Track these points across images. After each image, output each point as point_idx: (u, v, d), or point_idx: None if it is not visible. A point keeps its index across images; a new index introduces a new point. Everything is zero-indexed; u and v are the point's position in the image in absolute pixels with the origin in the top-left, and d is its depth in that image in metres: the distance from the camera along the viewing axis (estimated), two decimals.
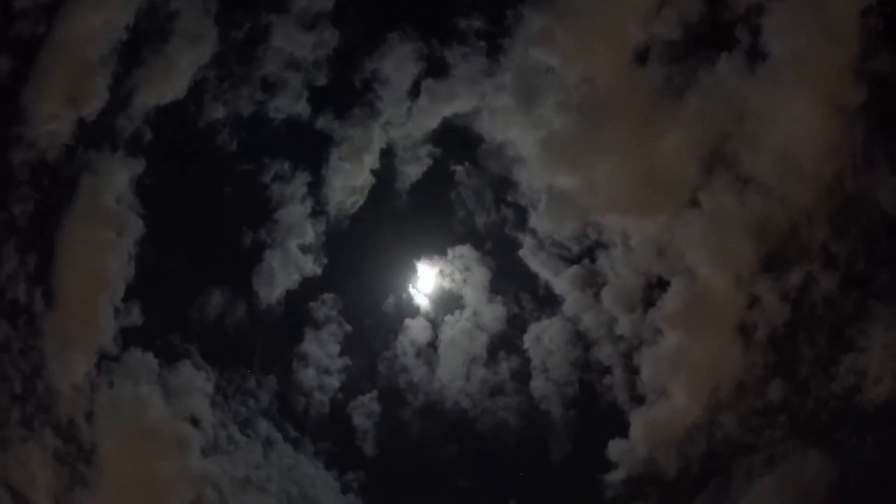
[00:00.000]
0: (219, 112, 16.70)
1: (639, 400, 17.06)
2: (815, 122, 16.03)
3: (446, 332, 16.87)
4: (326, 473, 16.55)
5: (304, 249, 16.53)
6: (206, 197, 16.55)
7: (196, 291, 16.40)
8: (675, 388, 16.88)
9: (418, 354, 16.77)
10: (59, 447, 16.13)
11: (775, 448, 16.89)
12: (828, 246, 16.49)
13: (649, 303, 16.98)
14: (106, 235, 16.56)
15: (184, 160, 16.56)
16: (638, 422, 17.01)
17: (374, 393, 16.61)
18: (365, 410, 16.48)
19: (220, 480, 16.32)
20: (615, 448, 16.81)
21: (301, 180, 16.54)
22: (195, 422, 16.38)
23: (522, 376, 16.69)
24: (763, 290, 16.69)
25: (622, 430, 17.21)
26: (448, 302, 16.72)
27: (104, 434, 16.40)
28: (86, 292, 16.57)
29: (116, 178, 16.69)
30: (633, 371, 17.05)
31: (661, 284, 16.73)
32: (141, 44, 16.83)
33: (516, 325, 16.89)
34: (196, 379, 16.25)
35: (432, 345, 16.62)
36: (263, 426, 16.37)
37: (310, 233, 16.39)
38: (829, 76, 15.91)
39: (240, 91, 16.81)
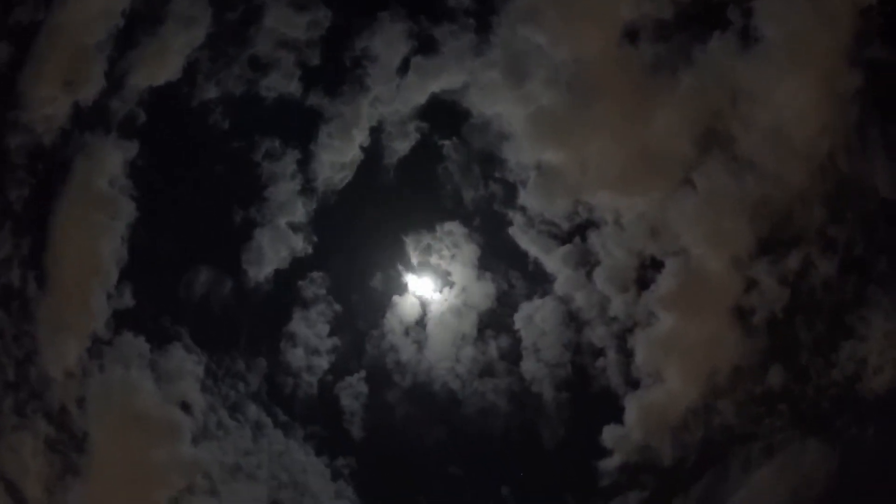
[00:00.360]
0: (211, 92, 16.46)
1: (633, 384, 16.60)
2: (808, 102, 15.57)
3: (435, 310, 16.56)
4: (317, 460, 16.36)
5: (294, 227, 16.24)
6: (198, 177, 16.30)
7: (187, 272, 16.20)
8: (671, 373, 16.43)
9: (406, 333, 16.48)
10: (52, 435, 16.18)
11: (774, 437, 16.36)
12: (825, 230, 16.02)
13: (643, 284, 16.51)
14: (99, 218, 16.48)
15: (176, 141, 16.31)
16: (633, 407, 16.58)
17: (363, 373, 16.33)
18: (353, 392, 16.26)
19: (210, 468, 16.23)
20: (610, 434, 16.38)
21: (291, 157, 16.28)
22: (186, 407, 16.26)
23: (513, 356, 16.37)
24: (761, 273, 16.19)
25: (617, 414, 16.75)
26: (436, 279, 16.39)
27: (96, 421, 16.38)
28: (79, 276, 16.55)
29: (110, 160, 16.59)
30: (627, 354, 16.61)
31: (655, 265, 16.30)
32: (136, 26, 16.60)
33: (506, 303, 16.52)
34: (187, 362, 16.16)
35: (420, 323, 16.33)
36: (253, 410, 16.27)
37: (300, 210, 16.09)
38: (823, 58, 15.51)
39: (232, 71, 16.53)
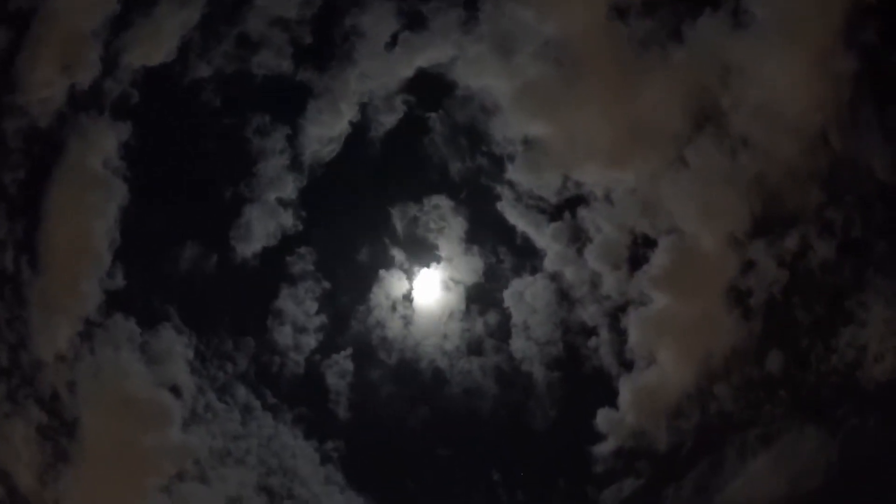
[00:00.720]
0: (204, 71, 16.20)
1: (627, 365, 16.01)
2: (799, 78, 15.29)
3: (422, 285, 16.15)
4: (305, 443, 15.93)
5: (283, 203, 15.85)
6: (189, 155, 16.05)
7: (178, 250, 15.92)
8: (665, 354, 15.97)
9: (393, 308, 16.03)
10: (43, 421, 15.98)
11: (772, 424, 15.85)
12: (823, 212, 15.59)
13: (635, 262, 16.06)
14: (92, 199, 16.31)
15: (168, 120, 16.08)
16: (626, 389, 15.97)
17: (349, 350, 15.90)
18: (339, 370, 15.81)
19: (200, 454, 15.89)
20: (604, 417, 15.70)
21: (281, 133, 15.97)
22: (176, 390, 15.95)
23: (502, 334, 15.91)
24: (758, 253, 15.75)
25: (610, 396, 16.24)
26: (424, 253, 15.92)
27: (87, 405, 16.17)
28: (71, 257, 16.40)
29: (104, 141, 16.41)
30: (620, 334, 16.13)
31: (648, 243, 15.84)
32: (131, 8, 16.45)
33: (495, 279, 16.07)
34: (177, 344, 15.84)
35: (407, 297, 15.93)
36: (241, 393, 15.87)
37: (289, 186, 15.69)
38: (815, 37, 15.24)
39: (224, 50, 16.28)
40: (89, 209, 16.21)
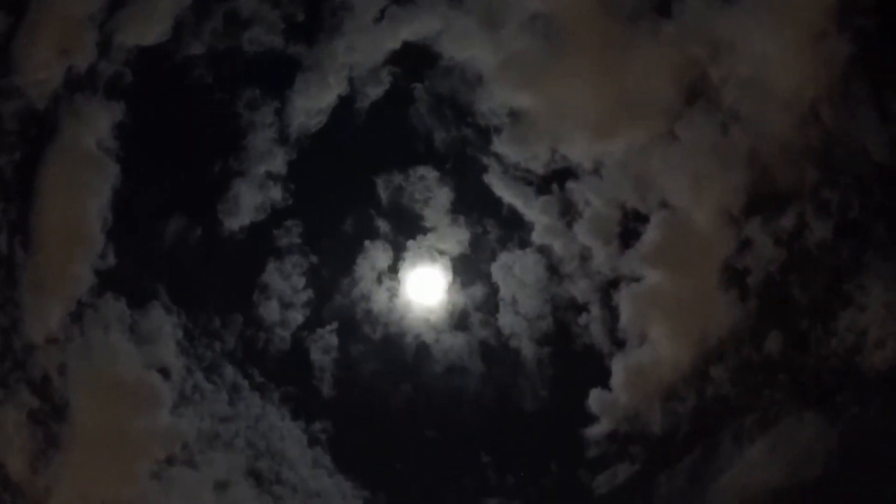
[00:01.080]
0: (196, 48, 16.19)
1: (619, 344, 15.69)
2: (790, 53, 15.12)
3: (407, 256, 15.89)
4: (293, 424, 15.68)
5: (272, 176, 15.73)
6: (181, 132, 15.97)
7: (167, 227, 15.81)
8: (658, 333, 15.67)
9: (379, 280, 15.81)
10: (34, 406, 15.85)
11: (769, 409, 15.45)
12: (818, 191, 15.35)
13: (627, 237, 15.81)
14: (86, 179, 16.28)
15: (161, 98, 16.03)
16: (619, 369, 15.63)
17: (335, 325, 15.66)
18: (324, 345, 15.58)
19: (189, 437, 15.69)
20: (596, 398, 15.36)
21: (270, 107, 15.84)
22: (165, 372, 15.77)
23: (490, 307, 15.62)
24: (754, 231, 15.52)
25: (602, 376, 15.91)
26: (409, 223, 15.68)
27: (77, 389, 16.02)
28: (64, 238, 16.35)
29: (97, 120, 16.41)
30: (611, 311, 15.83)
31: (640, 218, 15.57)
32: None
33: (482, 252, 15.83)
34: (166, 323, 15.68)
35: (393, 269, 15.66)
36: (229, 372, 15.68)
37: (276, 158, 15.58)
38: (806, 11, 15.12)
39: (216, 27, 16.27)
40: (83, 189, 16.15)
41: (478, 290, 15.44)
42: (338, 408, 15.54)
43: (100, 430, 15.95)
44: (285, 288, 15.61)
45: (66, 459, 16.01)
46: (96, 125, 16.28)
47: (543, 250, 15.53)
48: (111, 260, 15.97)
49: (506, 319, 15.71)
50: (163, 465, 15.85)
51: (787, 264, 15.80)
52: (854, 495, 15.11)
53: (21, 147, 16.52)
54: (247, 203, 15.61)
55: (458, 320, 15.50)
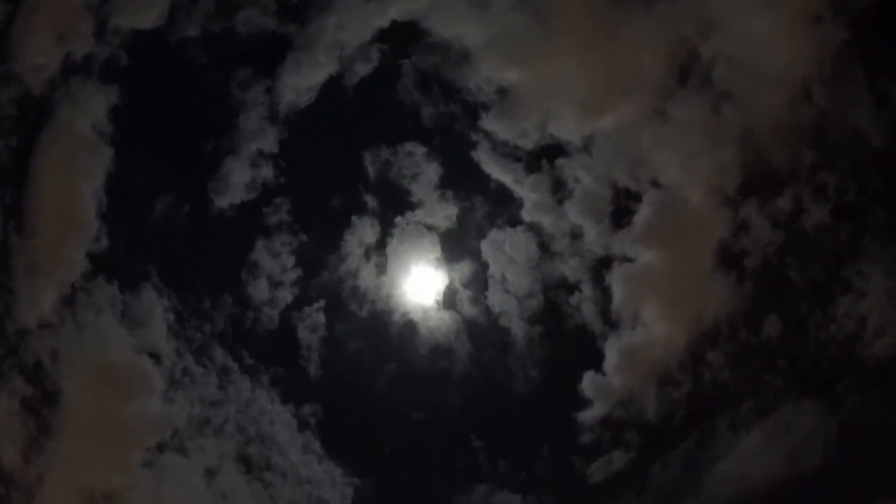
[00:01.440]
0: (190, 31, 16.14)
1: (613, 325, 15.36)
2: (782, 31, 14.91)
3: (395, 232, 15.62)
4: (283, 408, 15.44)
5: (262, 154, 15.60)
6: (174, 113, 15.89)
7: (159, 208, 15.69)
8: (652, 315, 15.37)
9: (367, 255, 15.54)
10: (27, 394, 15.71)
11: (767, 396, 15.12)
12: (815, 174, 15.11)
13: (619, 216, 15.57)
14: (81, 162, 16.23)
15: (155, 80, 15.97)
16: (613, 351, 15.29)
17: (322, 303, 15.42)
18: (312, 324, 15.33)
19: (180, 422, 15.48)
20: (589, 381, 15.02)
21: (262, 85, 15.72)
22: (156, 356, 15.59)
23: (478, 285, 15.37)
24: (750, 212, 15.26)
25: (595, 359, 15.58)
26: (397, 199, 15.43)
27: (69, 375, 15.88)
28: (58, 221, 16.29)
29: (93, 105, 16.39)
30: (604, 291, 15.53)
31: (632, 197, 15.32)
32: None
33: (470, 228, 15.59)
34: (157, 306, 15.52)
35: (381, 244, 15.40)
36: (219, 354, 15.47)
37: (267, 136, 15.45)
38: None
39: (210, 10, 16.22)
40: (77, 173, 16.10)
41: (466, 267, 15.16)
42: (326, 389, 15.31)
43: (91, 417, 15.81)
44: (274, 266, 15.47)
45: (58, 448, 15.85)
46: (92, 109, 16.22)
47: (533, 228, 15.31)
48: (104, 243, 15.81)
49: (495, 297, 15.45)
50: (154, 453, 15.61)
51: (785, 247, 15.50)
52: (854, 486, 14.67)
53: (17, 132, 16.50)
54: (237, 181, 15.43)
55: (447, 298, 15.16)
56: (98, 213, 15.67)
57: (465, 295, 15.27)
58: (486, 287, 15.43)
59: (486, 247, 15.45)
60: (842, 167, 15.23)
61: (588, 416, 15.05)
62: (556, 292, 15.45)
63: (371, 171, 15.19)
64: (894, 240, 15.23)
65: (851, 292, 15.34)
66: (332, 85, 15.42)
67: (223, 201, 15.53)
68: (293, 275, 15.52)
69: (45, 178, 16.27)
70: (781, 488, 14.48)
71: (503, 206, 15.27)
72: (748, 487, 14.54)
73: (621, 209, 15.11)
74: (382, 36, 15.60)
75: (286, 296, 15.51)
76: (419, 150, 15.35)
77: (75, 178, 15.18)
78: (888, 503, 14.13)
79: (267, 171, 15.33)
